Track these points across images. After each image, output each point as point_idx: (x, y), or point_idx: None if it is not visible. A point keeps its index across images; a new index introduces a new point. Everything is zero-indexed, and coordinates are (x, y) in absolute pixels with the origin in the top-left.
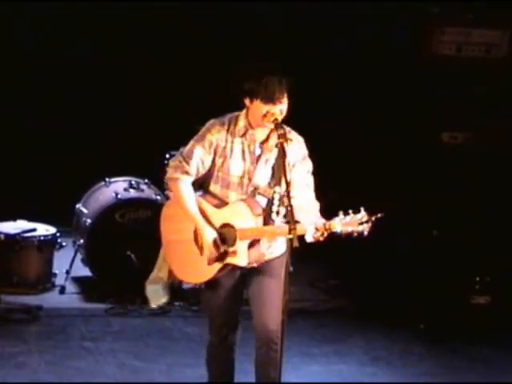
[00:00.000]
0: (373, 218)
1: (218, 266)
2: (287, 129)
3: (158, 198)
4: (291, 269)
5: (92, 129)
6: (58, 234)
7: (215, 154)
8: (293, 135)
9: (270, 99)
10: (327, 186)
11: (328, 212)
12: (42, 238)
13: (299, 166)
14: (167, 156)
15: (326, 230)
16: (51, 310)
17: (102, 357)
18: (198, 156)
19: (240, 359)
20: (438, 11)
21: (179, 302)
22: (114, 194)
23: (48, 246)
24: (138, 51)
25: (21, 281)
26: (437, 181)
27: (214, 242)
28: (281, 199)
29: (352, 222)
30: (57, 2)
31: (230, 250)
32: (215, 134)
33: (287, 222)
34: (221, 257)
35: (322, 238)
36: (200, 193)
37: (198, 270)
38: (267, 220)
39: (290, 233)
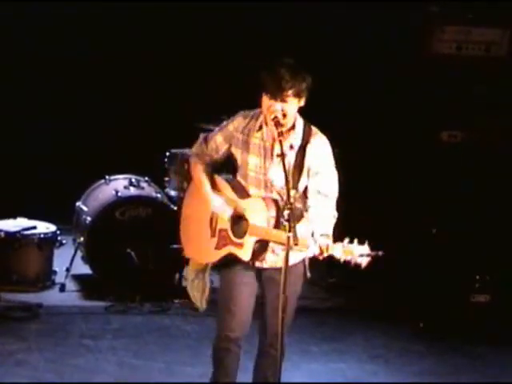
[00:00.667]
0: (373, 254)
1: (223, 252)
2: (313, 130)
3: (158, 195)
4: (308, 275)
5: (92, 127)
6: (58, 232)
7: (231, 144)
8: (318, 138)
9: (273, 94)
10: None
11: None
12: (42, 235)
13: (314, 173)
14: (167, 154)
15: (327, 251)
16: (51, 308)
17: (102, 354)
18: (215, 143)
19: (242, 357)
20: (438, 10)
21: (179, 299)
22: (114, 192)
23: (48, 243)
24: (138, 51)
25: (21, 279)
26: (436, 179)
27: (222, 207)
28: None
29: (353, 252)
30: (57, 2)
31: (238, 241)
32: (235, 125)
33: (287, 221)
34: (227, 244)
35: (320, 258)
36: (230, 178)
37: (204, 251)
38: (279, 224)
39: (288, 241)
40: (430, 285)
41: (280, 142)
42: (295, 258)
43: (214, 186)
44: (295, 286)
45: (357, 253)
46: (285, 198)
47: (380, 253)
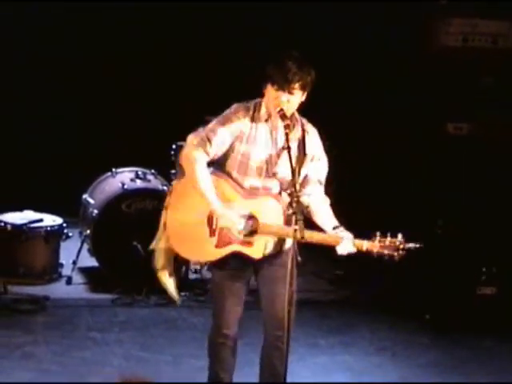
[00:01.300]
0: (410, 247)
1: (226, 250)
2: (304, 120)
3: (165, 188)
4: (299, 259)
5: (99, 119)
6: (64, 225)
7: (235, 139)
8: (310, 127)
9: (281, 86)
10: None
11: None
12: (48, 228)
13: (317, 160)
14: (173, 146)
15: (362, 250)
16: (58, 301)
17: (109, 347)
18: (221, 138)
19: (245, 350)
20: (445, 2)
21: (185, 292)
22: (120, 185)
23: (55, 236)
24: (144, 44)
25: (27, 271)
26: (442, 172)
27: (240, 221)
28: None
29: (389, 246)
30: (57, 2)
31: (248, 240)
32: (241, 119)
33: (293, 213)
34: (231, 242)
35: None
36: (219, 173)
37: (202, 250)
38: (287, 219)
39: (295, 234)
40: (436, 277)
41: (286, 134)
42: (288, 242)
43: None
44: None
45: (393, 247)
46: (287, 188)
47: (418, 245)
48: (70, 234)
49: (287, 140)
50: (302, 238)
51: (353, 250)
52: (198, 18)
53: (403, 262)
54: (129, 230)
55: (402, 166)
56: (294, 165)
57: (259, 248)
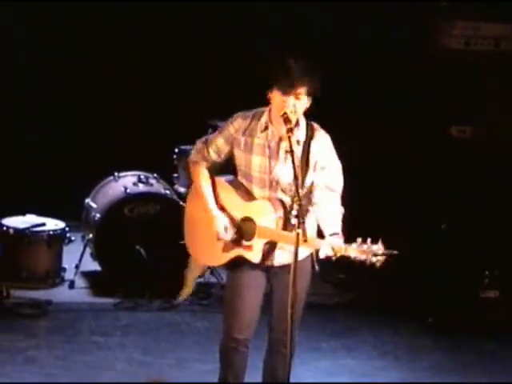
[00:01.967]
0: (388, 253)
1: (231, 255)
2: (315, 125)
3: (167, 192)
4: (317, 268)
5: (101, 123)
6: (67, 229)
7: (232, 146)
8: (320, 133)
9: (287, 91)
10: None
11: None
12: (51, 232)
13: (322, 167)
14: (176, 150)
15: (341, 252)
16: (60, 305)
17: (111, 351)
18: (216, 145)
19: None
20: (447, 5)
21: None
22: (123, 189)
23: (57, 240)
24: (146, 44)
25: (30, 275)
26: (445, 175)
27: (225, 230)
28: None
29: (368, 252)
30: (57, 2)
31: (246, 243)
32: (235, 127)
33: (296, 217)
34: (235, 246)
35: (333, 258)
36: (232, 179)
37: (211, 253)
38: (287, 224)
39: (297, 241)
40: (439, 280)
41: (289, 138)
42: (303, 252)
43: (216, 189)
44: (304, 282)
45: (371, 252)
46: (292, 194)
47: (395, 252)
48: (73, 238)
49: (290, 144)
50: (305, 241)
51: (331, 253)
52: (197, 18)
53: (407, 265)
54: (131, 234)
55: (402, 166)
56: (296, 168)
57: (257, 252)
